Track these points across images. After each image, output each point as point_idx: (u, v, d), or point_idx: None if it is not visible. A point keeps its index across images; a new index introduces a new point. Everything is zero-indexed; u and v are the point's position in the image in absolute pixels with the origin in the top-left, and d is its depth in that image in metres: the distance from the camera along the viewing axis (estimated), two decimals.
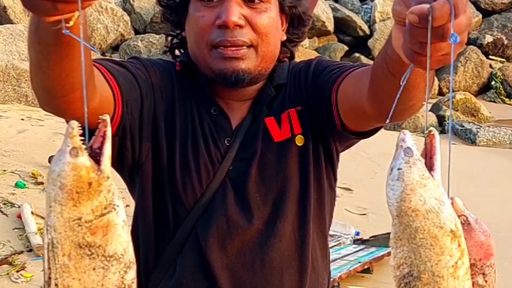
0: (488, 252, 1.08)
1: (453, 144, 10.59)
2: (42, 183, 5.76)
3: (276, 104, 1.63)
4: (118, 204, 0.96)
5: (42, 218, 5.05)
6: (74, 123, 0.94)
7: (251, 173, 1.57)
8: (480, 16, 16.52)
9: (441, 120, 11.85)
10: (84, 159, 0.93)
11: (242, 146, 1.59)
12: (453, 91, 13.84)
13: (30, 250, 4.58)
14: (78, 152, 0.93)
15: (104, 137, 0.96)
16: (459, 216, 1.04)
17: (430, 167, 1.00)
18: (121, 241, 0.96)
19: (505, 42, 15.85)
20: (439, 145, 1.01)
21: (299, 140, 1.60)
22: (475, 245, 1.07)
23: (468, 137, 10.77)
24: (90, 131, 1.31)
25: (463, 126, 11.12)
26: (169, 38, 1.70)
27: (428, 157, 1.01)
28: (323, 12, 15.09)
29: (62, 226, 0.93)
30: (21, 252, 4.57)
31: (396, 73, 1.18)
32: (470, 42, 15.55)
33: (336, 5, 15.74)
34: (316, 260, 1.63)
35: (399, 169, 0.98)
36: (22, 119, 7.95)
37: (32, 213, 5.02)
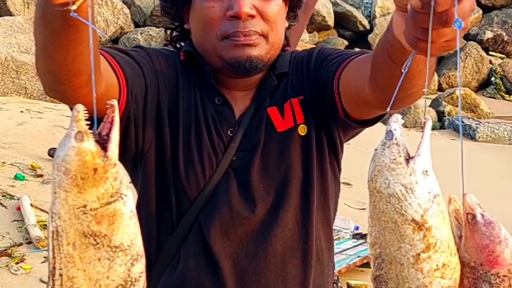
0: (492, 259, 1.01)
1: (452, 139, 10.58)
2: (41, 176, 5.76)
3: (279, 93, 1.62)
4: (126, 193, 0.94)
5: (42, 210, 5.05)
6: (80, 107, 0.92)
7: (254, 164, 1.57)
8: (481, 12, 16.50)
9: (440, 115, 11.85)
10: (90, 144, 0.91)
11: (245, 136, 1.58)
12: (453, 86, 13.83)
13: (29, 242, 4.57)
14: (84, 137, 0.91)
15: (112, 123, 0.94)
16: (467, 214, 1.02)
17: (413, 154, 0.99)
18: (128, 231, 0.94)
19: (505, 38, 15.83)
20: (428, 133, 1.00)
21: (302, 130, 1.59)
22: (474, 247, 1.02)
23: (467, 133, 10.77)
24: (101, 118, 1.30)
25: (462, 122, 11.12)
26: (169, 32, 1.69)
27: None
28: (324, 7, 15.07)
29: (67, 214, 0.91)
30: (20, 244, 4.56)
31: (398, 60, 1.16)
32: (470, 38, 15.53)
33: (337, 0, 15.72)
34: (321, 251, 1.63)
35: (375, 149, 1.00)
36: (22, 112, 7.95)
37: (31, 205, 5.01)
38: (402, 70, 1.08)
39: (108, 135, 0.94)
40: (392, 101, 1.08)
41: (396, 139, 0.99)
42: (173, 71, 1.59)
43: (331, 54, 1.60)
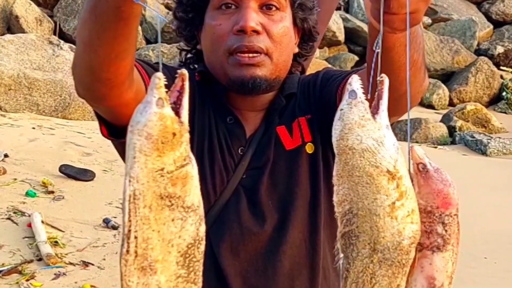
0: (447, 201, 1.09)
1: (463, 155, 10.54)
2: (52, 192, 5.78)
3: (287, 113, 1.66)
4: (192, 157, 0.99)
5: (52, 227, 5.06)
6: (160, 75, 0.96)
7: (264, 181, 1.60)
8: (491, 27, 16.48)
9: (451, 130, 11.81)
10: (169, 110, 0.95)
11: (255, 154, 1.62)
12: (464, 101, 13.79)
13: (40, 259, 4.58)
14: (164, 103, 0.95)
15: (181, 91, 0.99)
16: (417, 164, 1.09)
17: (376, 110, 1.05)
18: (197, 193, 1.00)
19: None
20: (387, 90, 1.05)
21: (309, 148, 1.63)
22: (431, 193, 1.09)
23: (479, 148, 10.72)
24: (123, 126, 1.33)
25: (473, 137, 11.06)
26: (183, 53, 1.73)
27: (377, 101, 1.06)
28: (334, 23, 15.09)
29: (146, 177, 0.95)
30: (31, 261, 4.57)
31: (382, 52, 1.17)
32: (481, 53, 15.50)
33: (347, 15, 15.74)
34: (327, 269, 1.64)
35: (341, 109, 1.05)
36: (33, 128, 7.98)
37: (42, 222, 5.03)
38: (374, 49, 1.10)
39: (177, 102, 0.98)
40: (369, 88, 1.09)
41: (360, 97, 1.05)
42: (190, 89, 1.61)
43: (335, 74, 1.65)
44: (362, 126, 1.03)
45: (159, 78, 0.95)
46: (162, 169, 0.95)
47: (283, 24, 1.59)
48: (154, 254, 0.97)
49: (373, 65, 1.11)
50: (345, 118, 1.04)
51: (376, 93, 1.06)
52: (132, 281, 0.96)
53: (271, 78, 1.58)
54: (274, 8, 1.59)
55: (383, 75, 1.06)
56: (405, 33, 1.11)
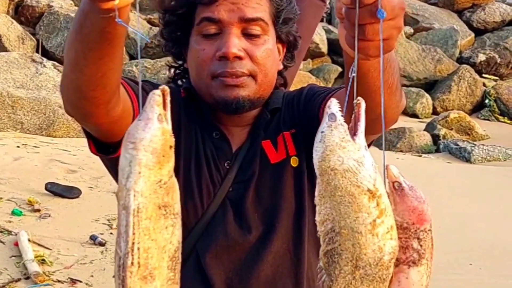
0: (421, 218, 1.14)
1: (448, 163, 10.58)
2: (38, 210, 5.76)
3: (272, 127, 1.70)
4: None
5: (39, 245, 5.04)
6: (158, 92, 1.01)
7: (249, 194, 1.64)
8: (473, 35, 16.61)
9: (435, 139, 11.87)
10: (167, 124, 1.01)
11: (241, 168, 1.65)
12: (447, 110, 13.88)
13: (28, 278, 4.56)
14: (163, 118, 1.01)
15: (165, 105, 1.03)
16: (393, 182, 1.14)
17: (354, 132, 1.08)
18: (179, 198, 1.05)
19: (498, 60, 15.91)
20: (364, 113, 1.09)
21: (294, 161, 1.66)
22: (407, 210, 1.13)
23: (462, 156, 10.78)
24: (112, 143, 1.34)
25: (457, 145, 11.11)
26: (172, 70, 1.78)
27: (354, 123, 1.09)
28: (317, 34, 15.15)
29: (148, 190, 1.00)
30: (18, 279, 4.56)
31: (357, 77, 1.20)
32: (463, 61, 15.62)
33: (330, 26, 15.82)
34: (312, 279, 1.67)
35: (322, 132, 1.08)
36: (18, 147, 7.96)
37: (29, 240, 5.01)
38: (349, 75, 1.13)
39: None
40: (344, 109, 1.11)
41: (339, 120, 1.08)
42: (176, 106, 1.66)
43: (319, 91, 1.69)
44: (343, 147, 1.06)
45: (159, 95, 1.01)
46: (160, 181, 1.00)
47: (265, 47, 1.63)
48: (153, 262, 1.01)
49: (349, 88, 1.13)
50: (326, 140, 1.07)
51: (353, 115, 1.09)
52: None
53: (255, 98, 1.62)
54: (256, 32, 1.62)
55: (359, 98, 1.09)
56: (379, 59, 1.14)
